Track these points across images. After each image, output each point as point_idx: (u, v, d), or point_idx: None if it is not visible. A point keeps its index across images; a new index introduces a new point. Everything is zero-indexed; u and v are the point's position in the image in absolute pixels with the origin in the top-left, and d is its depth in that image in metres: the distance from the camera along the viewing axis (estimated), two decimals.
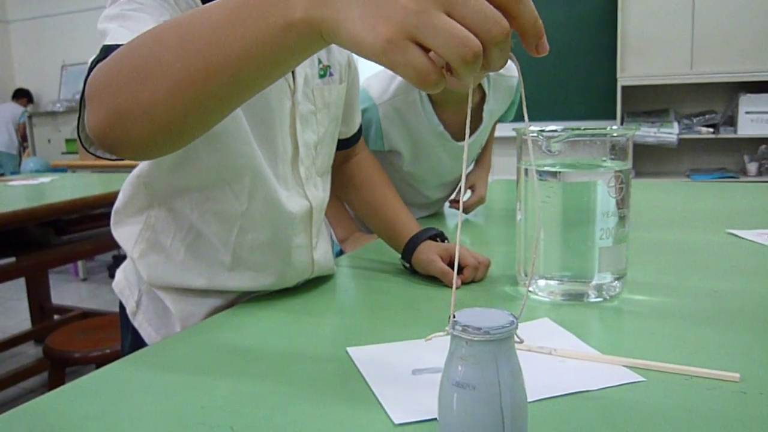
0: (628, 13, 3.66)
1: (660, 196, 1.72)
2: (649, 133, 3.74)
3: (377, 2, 0.40)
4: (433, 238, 1.01)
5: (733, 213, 1.45)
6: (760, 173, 3.71)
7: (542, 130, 0.83)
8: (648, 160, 3.97)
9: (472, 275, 0.93)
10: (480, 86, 1.33)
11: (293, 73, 0.84)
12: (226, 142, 0.78)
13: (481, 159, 1.54)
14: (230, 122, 0.78)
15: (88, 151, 0.63)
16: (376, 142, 1.32)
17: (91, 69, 0.58)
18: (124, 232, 0.88)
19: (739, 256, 1.06)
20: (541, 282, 0.86)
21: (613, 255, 0.83)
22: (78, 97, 5.72)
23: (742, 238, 1.17)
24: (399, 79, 1.30)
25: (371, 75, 1.35)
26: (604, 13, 3.84)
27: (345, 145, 1.05)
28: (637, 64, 3.70)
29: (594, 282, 0.83)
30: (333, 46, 0.93)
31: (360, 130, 1.10)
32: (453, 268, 0.93)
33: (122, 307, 0.92)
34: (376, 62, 0.41)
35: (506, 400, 0.45)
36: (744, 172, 3.76)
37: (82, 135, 0.61)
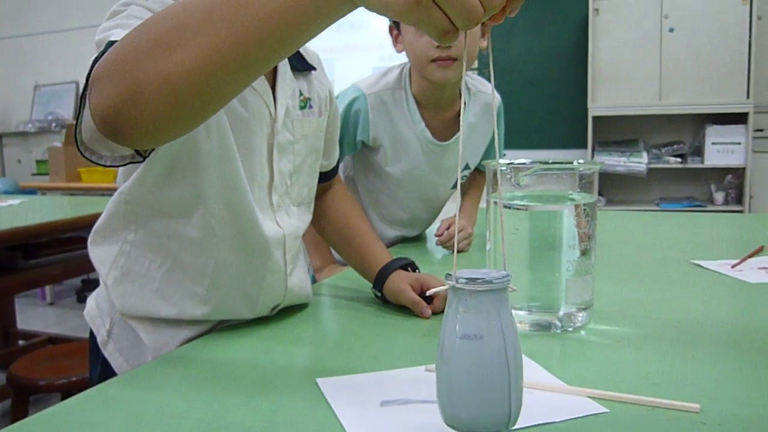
0: (598, 45, 3.76)
1: (628, 226, 1.76)
2: (620, 162, 3.81)
3: None
4: (404, 267, 1.02)
5: (697, 244, 1.49)
6: (726, 202, 3.80)
7: (511, 163, 0.85)
8: (618, 188, 4.04)
9: (443, 305, 0.94)
10: (460, 94, 1.37)
11: (275, 102, 0.86)
12: (210, 159, 0.78)
13: (466, 206, 1.55)
14: (217, 140, 0.78)
15: (83, 156, 0.62)
16: (363, 133, 1.36)
17: (93, 65, 0.57)
18: (101, 253, 0.87)
19: (702, 287, 1.08)
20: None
21: (579, 286, 0.85)
22: (50, 117, 5.69)
23: (706, 268, 1.20)
24: (387, 78, 1.38)
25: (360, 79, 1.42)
26: (576, 45, 3.94)
27: (323, 178, 1.06)
28: (608, 95, 3.78)
29: (561, 312, 0.85)
30: (315, 78, 0.97)
31: (337, 165, 1.12)
32: (424, 298, 0.95)
33: (92, 336, 0.91)
34: (400, 20, 0.47)
35: (510, 347, 0.48)
36: (711, 201, 3.85)
37: (80, 137, 0.61)
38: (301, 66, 0.94)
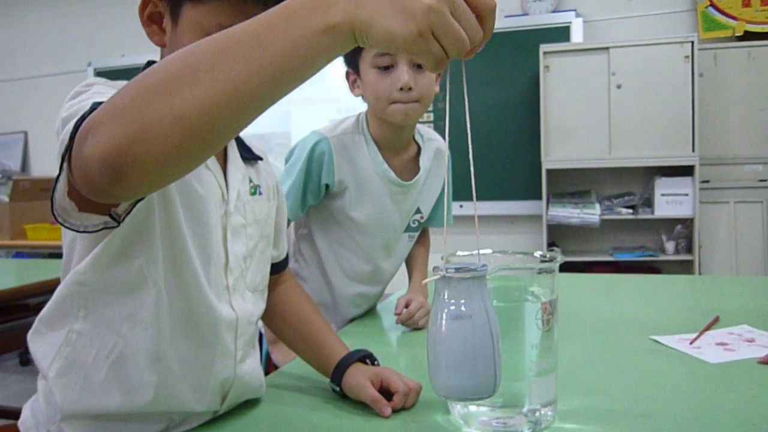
0: (550, 101, 3.85)
1: (586, 293, 1.76)
2: (573, 214, 3.88)
3: (402, 4, 0.52)
4: (363, 359, 0.99)
5: (654, 314, 1.50)
6: (677, 251, 3.88)
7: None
8: (573, 239, 4.10)
9: (402, 402, 0.91)
10: (414, 140, 1.46)
11: (227, 186, 0.87)
12: (161, 236, 0.77)
13: (418, 280, 1.53)
14: (165, 216, 0.77)
15: (57, 220, 0.62)
16: (328, 176, 1.36)
17: (78, 124, 0.57)
18: (43, 345, 0.82)
19: (664, 370, 1.08)
20: (473, 407, 0.84)
21: (542, 385, 0.83)
22: None
23: (665, 345, 1.20)
24: (345, 124, 1.41)
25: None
26: (529, 101, 4.02)
27: (274, 269, 1.04)
28: (560, 149, 3.86)
29: (525, 409, 0.83)
30: (262, 168, 0.96)
31: (287, 257, 1.09)
32: (384, 394, 0.91)
33: None
34: (403, 51, 0.54)
35: (493, 324, 0.58)
36: (663, 250, 3.93)
37: (59, 199, 0.60)
38: (249, 155, 0.96)
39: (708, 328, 1.30)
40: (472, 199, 0.69)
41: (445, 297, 0.58)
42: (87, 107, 0.59)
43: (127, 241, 0.76)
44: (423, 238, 1.61)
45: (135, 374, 0.79)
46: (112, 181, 0.54)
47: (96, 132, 0.54)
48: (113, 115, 0.54)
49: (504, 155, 4.15)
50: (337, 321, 1.49)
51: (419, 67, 1.28)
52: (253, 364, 0.94)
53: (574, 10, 4.08)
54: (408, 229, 1.51)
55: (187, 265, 0.80)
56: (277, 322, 1.08)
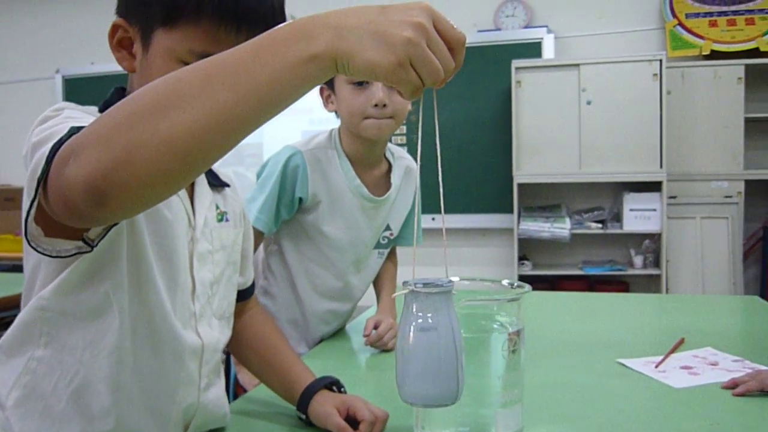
0: (521, 116, 3.88)
1: (554, 313, 1.76)
2: (544, 228, 3.91)
3: (383, 36, 0.54)
4: (330, 387, 0.98)
5: (622, 334, 1.51)
6: (645, 266, 3.94)
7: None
8: (544, 252, 4.13)
9: (369, 431, 0.90)
10: (385, 157, 1.47)
11: (194, 212, 0.87)
12: (130, 262, 0.76)
13: (386, 302, 1.53)
14: (132, 240, 0.76)
15: (29, 244, 0.62)
16: (302, 189, 1.36)
17: (56, 148, 0.57)
18: (1, 373, 0.80)
19: (630, 395, 1.08)
20: None
21: (508, 416, 0.82)
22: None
23: (631, 368, 1.21)
24: (318, 139, 1.41)
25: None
26: (501, 115, 4.05)
27: (240, 296, 1.02)
28: (531, 163, 3.90)
29: None
30: (229, 194, 0.95)
31: (253, 284, 1.08)
32: (350, 422, 0.90)
33: None
34: (384, 80, 0.57)
35: (457, 336, 0.62)
36: (631, 264, 3.98)
37: (31, 227, 0.61)
38: (216, 182, 0.95)
39: (673, 350, 1.32)
40: (436, 212, 0.71)
41: (414, 310, 0.62)
42: (63, 131, 0.59)
43: (95, 266, 0.74)
44: (391, 257, 1.60)
45: (96, 403, 0.77)
46: (95, 204, 0.54)
47: (80, 155, 0.54)
48: (98, 138, 0.54)
49: (476, 168, 4.17)
50: (307, 339, 1.48)
51: None
52: (217, 393, 0.92)
53: (546, 27, 4.13)
54: (378, 245, 1.50)
55: (153, 290, 0.78)
56: (242, 349, 1.06)
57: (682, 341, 1.38)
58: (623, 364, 1.24)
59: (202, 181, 0.91)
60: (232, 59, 0.55)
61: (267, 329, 1.08)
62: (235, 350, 1.06)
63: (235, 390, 1.37)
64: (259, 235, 1.36)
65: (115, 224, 0.65)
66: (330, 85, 1.37)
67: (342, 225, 1.41)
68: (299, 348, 1.45)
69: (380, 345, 1.35)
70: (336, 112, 1.40)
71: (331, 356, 1.38)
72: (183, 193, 0.86)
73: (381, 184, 1.46)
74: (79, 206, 0.55)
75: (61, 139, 0.58)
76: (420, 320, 0.61)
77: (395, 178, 1.48)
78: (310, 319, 1.46)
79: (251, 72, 0.54)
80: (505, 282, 0.89)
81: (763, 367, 1.18)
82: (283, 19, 0.80)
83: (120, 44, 0.80)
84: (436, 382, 0.62)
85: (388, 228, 1.51)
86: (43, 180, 0.58)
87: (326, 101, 1.40)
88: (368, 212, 1.44)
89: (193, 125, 0.52)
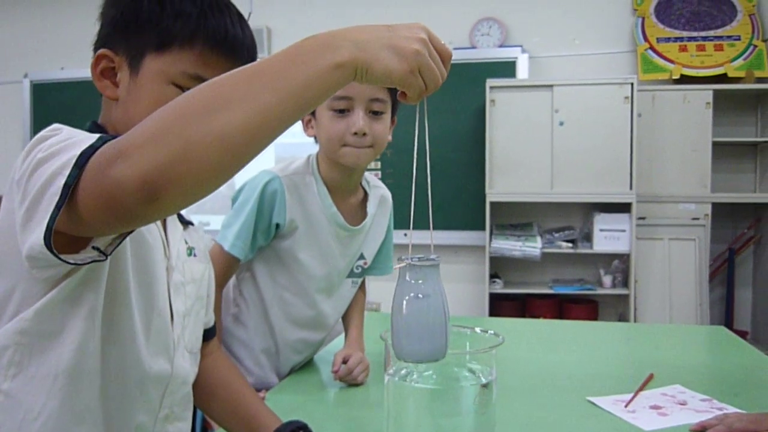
0: (495, 135, 3.90)
1: (524, 343, 1.76)
2: (516, 246, 3.93)
3: (396, 48, 0.65)
4: (296, 431, 0.95)
5: (591, 367, 1.51)
6: (614, 285, 3.97)
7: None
8: (515, 270, 4.15)
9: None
10: (362, 186, 1.48)
11: (168, 244, 0.88)
12: (109, 283, 0.75)
13: (353, 335, 1.51)
14: (115, 265, 0.76)
15: (47, 248, 0.60)
16: (279, 215, 1.34)
17: (88, 154, 0.59)
18: None
19: None
20: None
21: None
22: None
23: (601, 408, 1.21)
24: (295, 164, 1.40)
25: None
26: (475, 134, 4.06)
27: (203, 336, 1.00)
28: (504, 182, 3.91)
29: None
30: (193, 231, 0.95)
31: (215, 325, 1.06)
32: None
33: None
34: (398, 84, 0.67)
35: (446, 303, 0.73)
36: (600, 284, 4.01)
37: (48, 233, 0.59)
38: (181, 219, 0.96)
39: (642, 387, 1.32)
40: (415, 228, 0.79)
41: (408, 280, 0.72)
42: (82, 142, 0.61)
43: (81, 287, 0.73)
44: (361, 287, 1.58)
45: (61, 428, 0.75)
46: (147, 201, 0.56)
47: (131, 155, 0.56)
48: (151, 138, 0.57)
49: (449, 186, 4.17)
50: (278, 368, 1.45)
51: (375, 113, 1.30)
52: (181, 428, 0.90)
53: (521, 46, 4.16)
54: (351, 274, 1.49)
55: (126, 312, 0.78)
56: (206, 398, 1.03)
57: (651, 377, 1.38)
58: (593, 403, 1.23)
59: (172, 215, 0.91)
60: (269, 67, 0.61)
61: (231, 376, 1.06)
62: (201, 402, 1.03)
63: (203, 425, 1.33)
64: (234, 263, 1.33)
65: (131, 231, 0.68)
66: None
67: (317, 252, 1.40)
68: (270, 379, 1.42)
69: (350, 379, 1.33)
70: (315, 138, 1.38)
71: (299, 390, 1.36)
72: (157, 222, 0.86)
73: (356, 213, 1.45)
74: (127, 204, 0.57)
75: (93, 145, 0.60)
76: (415, 289, 0.71)
77: (371, 207, 1.47)
78: (282, 349, 1.44)
79: (289, 77, 0.60)
80: (478, 330, 0.88)
81: (731, 409, 1.19)
82: (256, 52, 0.89)
83: (102, 74, 0.83)
84: (428, 341, 0.71)
85: (361, 257, 1.49)
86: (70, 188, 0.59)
87: (306, 125, 1.38)
88: (343, 241, 1.42)
89: (242, 123, 0.57)
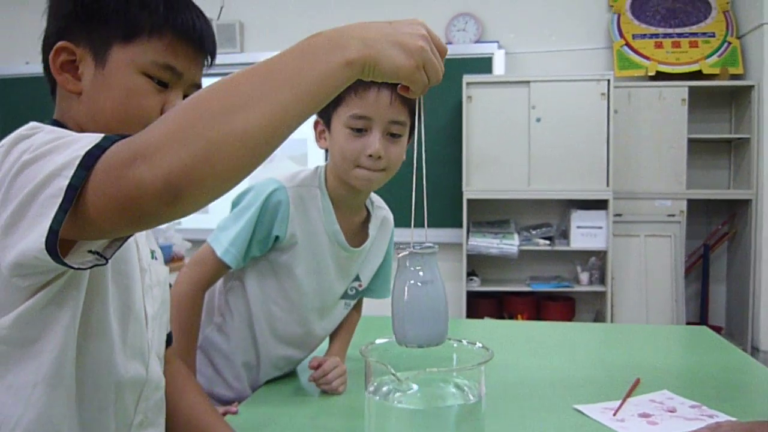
0: (472, 132, 3.87)
1: (506, 347, 1.71)
2: (493, 244, 3.90)
3: (402, 45, 0.67)
4: None
5: (575, 372, 1.47)
6: (591, 282, 3.97)
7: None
8: (492, 267, 4.12)
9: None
10: (365, 206, 1.42)
11: (138, 246, 0.87)
12: (90, 287, 0.74)
13: (336, 347, 1.45)
14: (95, 274, 0.74)
15: (50, 253, 0.58)
16: (281, 227, 1.27)
17: (95, 155, 0.58)
18: None
19: None
20: None
21: None
22: None
23: (589, 416, 1.17)
24: (303, 175, 1.34)
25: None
26: (452, 130, 4.01)
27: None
28: (481, 179, 3.88)
29: None
30: (151, 235, 0.90)
31: (171, 334, 1.01)
32: None
33: None
34: (404, 80, 0.70)
35: (444, 288, 0.76)
36: (577, 281, 4.01)
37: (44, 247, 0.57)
38: None
39: (629, 394, 1.28)
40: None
41: (410, 268, 0.74)
42: (78, 142, 0.59)
43: (62, 292, 0.71)
44: (357, 306, 1.52)
45: None
46: (169, 202, 0.56)
47: (152, 156, 0.55)
48: (173, 139, 0.56)
49: (427, 182, 4.12)
50: (255, 381, 1.38)
51: (392, 135, 1.23)
52: None
53: (497, 42, 4.13)
54: (345, 295, 1.42)
55: (103, 316, 0.76)
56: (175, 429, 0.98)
57: (638, 382, 1.34)
58: (580, 411, 1.19)
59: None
60: (283, 65, 0.62)
61: (186, 387, 1.02)
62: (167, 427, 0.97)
63: None
64: (223, 268, 1.25)
65: (131, 235, 0.68)
66: (327, 121, 1.27)
67: (313, 269, 1.33)
68: (245, 392, 1.35)
69: (324, 382, 1.28)
70: (327, 151, 1.31)
71: (274, 401, 1.29)
72: None
73: (357, 233, 1.38)
74: (147, 206, 0.56)
75: (99, 145, 0.59)
76: (418, 275, 0.74)
77: (372, 228, 1.41)
78: (263, 363, 1.37)
79: (304, 75, 0.61)
80: (465, 342, 0.83)
81: (721, 416, 1.16)
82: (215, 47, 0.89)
83: (62, 68, 0.80)
84: (430, 326, 0.73)
85: (357, 278, 1.43)
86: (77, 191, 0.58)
87: (319, 136, 1.31)
88: (340, 261, 1.35)
89: (262, 121, 0.58)
